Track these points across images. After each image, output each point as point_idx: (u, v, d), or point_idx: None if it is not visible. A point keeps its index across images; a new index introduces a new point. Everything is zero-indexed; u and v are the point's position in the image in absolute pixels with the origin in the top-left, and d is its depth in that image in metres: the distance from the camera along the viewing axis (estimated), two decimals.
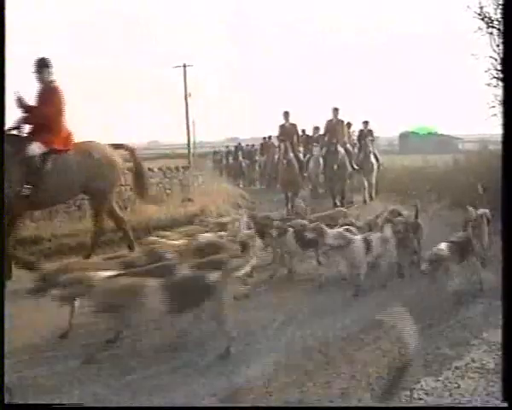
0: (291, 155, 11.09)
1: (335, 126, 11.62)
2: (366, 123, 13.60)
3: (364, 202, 12.52)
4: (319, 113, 12.30)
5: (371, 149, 13.07)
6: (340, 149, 11.38)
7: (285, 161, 10.93)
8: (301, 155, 12.19)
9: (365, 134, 13.34)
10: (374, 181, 13.43)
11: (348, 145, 12.04)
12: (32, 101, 6.42)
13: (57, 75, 6.55)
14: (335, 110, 11.72)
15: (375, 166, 13.39)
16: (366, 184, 12.93)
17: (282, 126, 11.76)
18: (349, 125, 13.18)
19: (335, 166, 11.24)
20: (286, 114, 11.91)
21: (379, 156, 14.03)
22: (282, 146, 11.17)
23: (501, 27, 8.13)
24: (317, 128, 14.08)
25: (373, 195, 13.04)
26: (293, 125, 11.83)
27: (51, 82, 6.36)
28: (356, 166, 11.90)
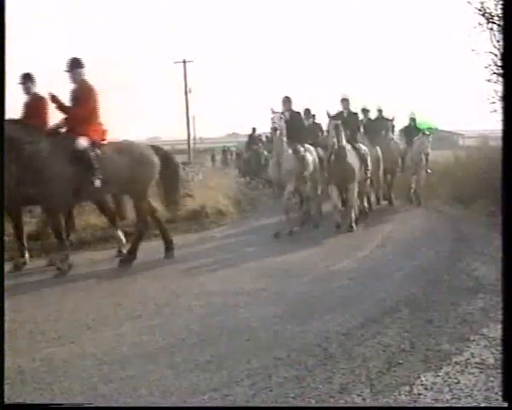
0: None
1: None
2: (346, 101, 8.98)
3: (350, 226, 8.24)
4: (318, 111, 11.79)
5: (342, 138, 8.10)
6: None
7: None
8: None
9: (333, 122, 8.11)
10: (353, 197, 8.36)
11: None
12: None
13: (57, 74, 6.48)
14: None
15: (355, 171, 8.23)
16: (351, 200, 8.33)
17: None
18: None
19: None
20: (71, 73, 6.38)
21: (375, 152, 9.76)
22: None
23: (501, 23, 8.11)
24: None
25: (353, 224, 8.27)
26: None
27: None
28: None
